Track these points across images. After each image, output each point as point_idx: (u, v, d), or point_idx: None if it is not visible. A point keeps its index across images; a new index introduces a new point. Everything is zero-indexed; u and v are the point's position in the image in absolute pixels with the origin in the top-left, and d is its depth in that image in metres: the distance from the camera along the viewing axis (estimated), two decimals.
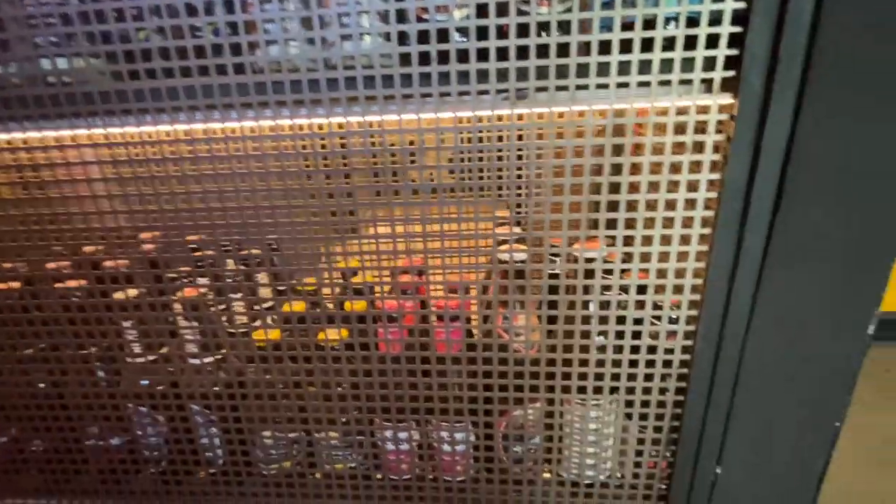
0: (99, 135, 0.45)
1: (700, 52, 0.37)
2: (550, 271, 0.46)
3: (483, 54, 0.39)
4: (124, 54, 0.42)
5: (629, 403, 0.49)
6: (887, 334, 1.64)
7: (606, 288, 0.45)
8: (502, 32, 0.38)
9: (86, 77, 0.43)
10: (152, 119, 0.43)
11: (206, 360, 0.55)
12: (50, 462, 0.60)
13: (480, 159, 0.45)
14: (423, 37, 0.39)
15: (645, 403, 0.48)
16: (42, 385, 0.57)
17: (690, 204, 0.41)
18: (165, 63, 0.41)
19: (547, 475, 0.55)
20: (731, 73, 0.37)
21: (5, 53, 0.44)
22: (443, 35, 0.39)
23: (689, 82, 0.38)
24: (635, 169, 0.41)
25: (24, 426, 0.58)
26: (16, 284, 0.55)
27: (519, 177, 0.49)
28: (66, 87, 0.43)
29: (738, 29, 0.36)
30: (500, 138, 0.48)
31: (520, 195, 0.53)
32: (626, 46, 0.37)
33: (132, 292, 0.53)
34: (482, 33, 0.38)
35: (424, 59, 0.39)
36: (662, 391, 0.47)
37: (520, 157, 0.60)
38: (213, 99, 0.42)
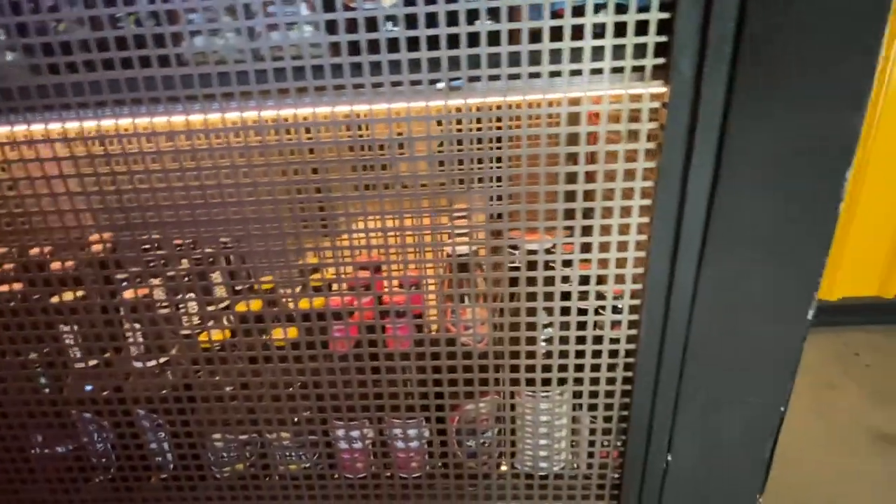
0: (20, 132, 0.43)
1: (630, 40, 0.37)
2: (495, 263, 0.45)
3: (414, 43, 0.38)
4: (42, 47, 0.40)
5: (578, 394, 0.49)
6: (856, 318, 1.69)
7: (550, 279, 0.45)
8: (433, 21, 0.38)
9: (2, 72, 0.41)
10: (76, 115, 0.41)
11: (151, 363, 0.53)
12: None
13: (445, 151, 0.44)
14: (353, 26, 0.38)
15: (594, 394, 0.48)
16: None
17: (628, 193, 0.41)
18: (86, 56, 0.40)
19: (503, 468, 0.55)
20: (661, 61, 0.37)
21: None
22: (373, 24, 0.38)
23: (620, 70, 0.38)
24: (572, 159, 0.41)
25: None
26: None
27: (461, 168, 0.48)
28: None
29: (666, 15, 0.36)
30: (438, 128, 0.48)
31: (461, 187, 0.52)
32: (557, 35, 0.37)
33: (73, 295, 0.52)
34: (413, 22, 0.37)
35: (355, 49, 0.38)
36: (610, 381, 0.48)
37: (460, 149, 0.59)
38: (139, 93, 0.41)
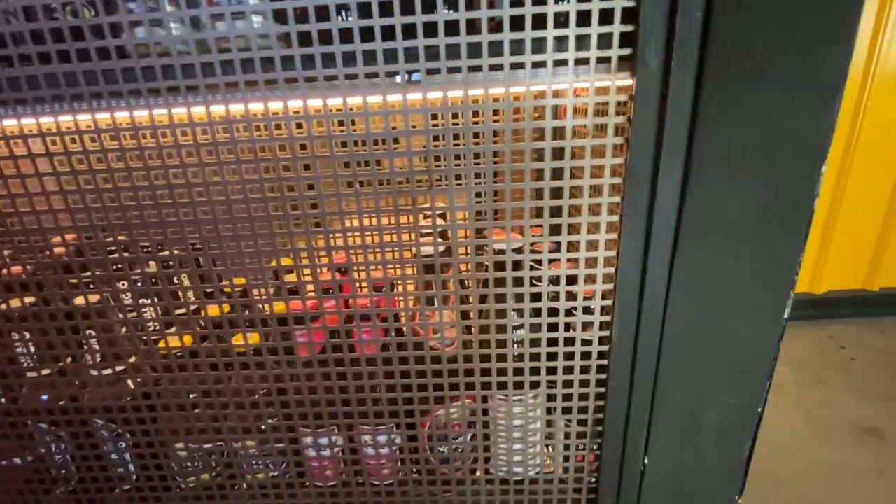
0: None
1: (594, 29, 0.35)
2: (462, 263, 0.44)
3: (369, 34, 0.36)
4: None
5: (552, 398, 0.48)
6: (841, 311, 1.69)
7: (520, 280, 0.44)
8: (387, 9, 0.35)
9: None
10: (12, 111, 0.39)
11: (107, 371, 0.51)
12: None
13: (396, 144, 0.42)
14: (303, 16, 0.36)
15: (567, 397, 0.47)
16: None
17: (596, 190, 0.39)
18: (20, 49, 0.37)
19: (477, 474, 0.53)
20: (627, 51, 0.35)
21: None
22: (323, 13, 0.36)
23: (585, 62, 0.36)
24: (538, 155, 0.39)
25: None
26: None
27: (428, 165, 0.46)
28: None
29: (631, 3, 0.34)
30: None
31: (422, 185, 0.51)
32: (519, 24, 0.35)
33: (27, 300, 0.49)
34: (365, 10, 0.35)
35: (307, 40, 0.36)
36: (583, 384, 0.46)
37: (424, 145, 0.57)
38: (78, 88, 0.38)
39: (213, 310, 0.49)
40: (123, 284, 0.52)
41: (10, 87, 0.39)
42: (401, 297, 0.46)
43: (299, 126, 0.59)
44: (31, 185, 0.43)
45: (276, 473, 0.53)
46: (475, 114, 0.47)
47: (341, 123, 0.62)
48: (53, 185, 0.43)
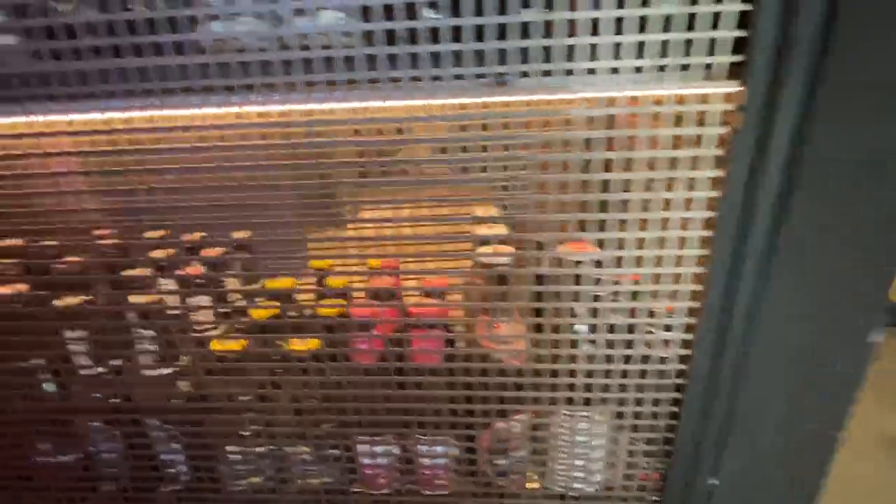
0: (21, 123, 0.39)
1: (703, 34, 0.32)
2: (537, 274, 0.42)
3: (457, 34, 0.34)
4: (45, 31, 0.36)
5: (621, 415, 0.46)
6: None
7: (598, 294, 0.42)
8: (478, 9, 0.33)
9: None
10: (80, 106, 0.38)
11: (165, 371, 0.50)
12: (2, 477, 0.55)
13: (465, 149, 0.40)
14: (390, 13, 0.34)
15: (638, 415, 0.45)
16: None
17: (689, 204, 0.37)
18: (94, 41, 0.36)
19: (534, 487, 0.52)
20: (738, 58, 0.33)
21: None
22: (411, 10, 0.34)
23: (688, 68, 0.34)
24: (628, 165, 0.37)
25: None
26: None
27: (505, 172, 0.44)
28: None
29: (747, 6, 0.32)
30: (483, 127, 0.44)
31: (504, 192, 0.49)
32: (616, 27, 0.33)
33: (80, 299, 0.48)
34: (455, 9, 0.33)
35: (392, 39, 0.35)
36: (656, 402, 0.44)
37: (506, 150, 0.55)
38: (150, 84, 0.37)
39: (264, 313, 0.47)
40: (181, 285, 0.51)
41: (78, 80, 0.37)
42: (466, 307, 0.45)
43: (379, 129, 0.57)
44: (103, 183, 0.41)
45: (328, 479, 0.52)
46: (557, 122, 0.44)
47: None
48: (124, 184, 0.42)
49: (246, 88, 0.37)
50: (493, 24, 0.33)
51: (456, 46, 0.34)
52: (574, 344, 0.44)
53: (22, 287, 0.50)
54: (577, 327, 0.44)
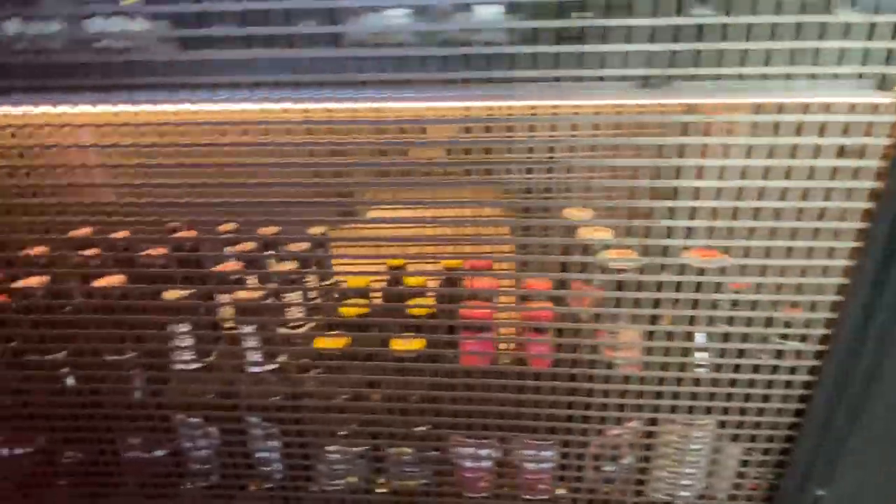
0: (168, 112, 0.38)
1: (882, 44, 0.32)
2: (658, 281, 0.42)
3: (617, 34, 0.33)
4: (190, 17, 0.35)
5: (737, 424, 0.46)
6: None
7: (721, 303, 0.41)
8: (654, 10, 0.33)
9: (142, 43, 0.36)
10: (209, 95, 0.37)
11: (266, 368, 0.50)
12: (87, 475, 0.55)
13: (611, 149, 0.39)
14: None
15: (758, 425, 0.45)
16: (75, 391, 0.52)
17: (843, 213, 0.37)
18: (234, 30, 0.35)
19: (637, 496, 0.51)
20: None
21: (39, 12, 0.37)
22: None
23: (861, 77, 0.33)
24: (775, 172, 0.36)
25: (55, 436, 0.53)
26: (43, 280, 0.49)
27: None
28: (119, 54, 0.37)
29: None
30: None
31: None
32: (796, 32, 0.32)
33: (180, 293, 0.48)
34: (630, 9, 0.33)
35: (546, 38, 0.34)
36: (779, 412, 0.44)
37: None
38: (290, 75, 0.36)
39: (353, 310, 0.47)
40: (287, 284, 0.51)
41: (223, 71, 0.36)
42: (586, 313, 0.44)
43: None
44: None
45: (425, 481, 0.52)
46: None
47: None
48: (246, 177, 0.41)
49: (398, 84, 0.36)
50: (666, 26, 0.33)
51: (630, 47, 0.33)
52: (691, 353, 0.43)
53: (117, 280, 0.49)
54: (698, 337, 0.44)
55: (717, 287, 0.41)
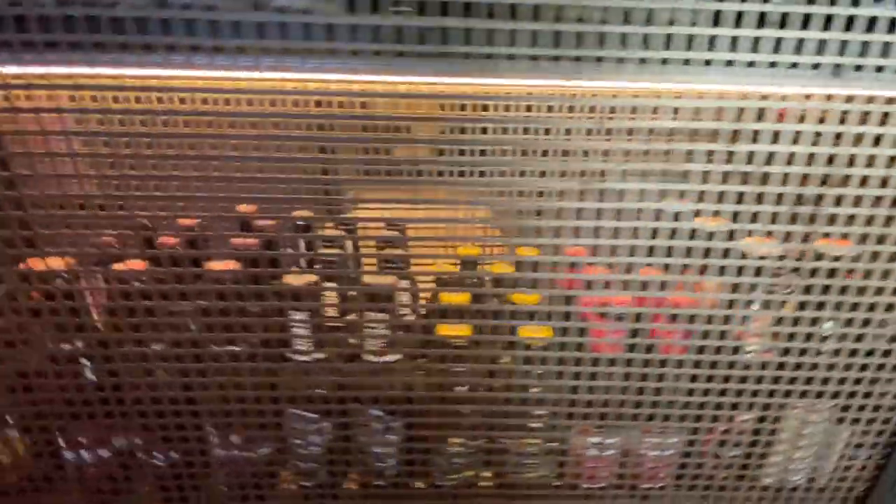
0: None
1: None
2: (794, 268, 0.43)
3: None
4: None
5: (847, 408, 0.48)
6: None
7: (845, 288, 0.44)
8: None
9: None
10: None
11: (391, 358, 0.48)
12: (178, 475, 0.51)
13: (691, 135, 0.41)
14: None
15: (877, 407, 0.47)
16: (171, 386, 0.48)
17: None
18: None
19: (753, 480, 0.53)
20: None
21: None
22: None
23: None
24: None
25: (148, 434, 0.49)
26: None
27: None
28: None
29: None
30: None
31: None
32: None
33: (302, 278, 0.46)
34: None
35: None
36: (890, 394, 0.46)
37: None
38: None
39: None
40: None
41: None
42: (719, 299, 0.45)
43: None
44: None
45: (545, 473, 0.51)
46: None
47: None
48: None
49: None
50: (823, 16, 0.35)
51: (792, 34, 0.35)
52: (820, 338, 0.45)
53: (233, 265, 0.46)
54: (825, 324, 0.46)
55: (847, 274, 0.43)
